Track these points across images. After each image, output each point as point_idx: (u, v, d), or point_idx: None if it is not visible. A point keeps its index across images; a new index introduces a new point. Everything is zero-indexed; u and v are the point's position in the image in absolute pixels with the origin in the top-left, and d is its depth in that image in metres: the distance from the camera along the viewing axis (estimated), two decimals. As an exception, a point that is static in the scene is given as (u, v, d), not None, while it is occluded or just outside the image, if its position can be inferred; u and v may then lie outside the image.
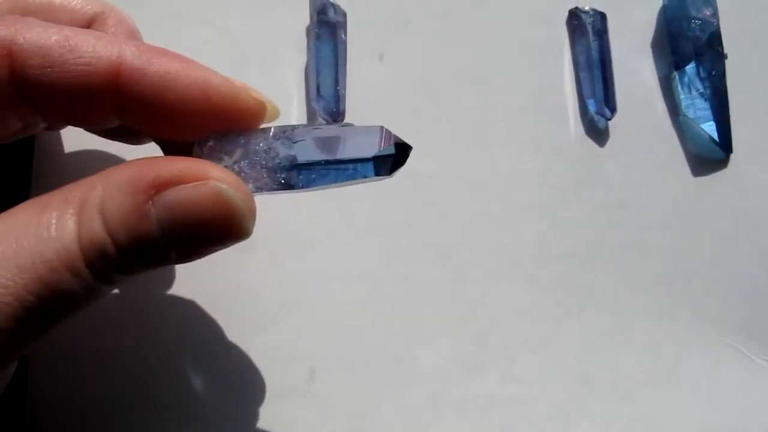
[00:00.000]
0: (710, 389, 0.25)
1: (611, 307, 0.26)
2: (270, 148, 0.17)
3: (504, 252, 0.26)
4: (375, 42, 0.28)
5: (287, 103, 0.27)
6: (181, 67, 0.17)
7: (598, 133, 0.28)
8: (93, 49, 0.16)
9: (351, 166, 0.17)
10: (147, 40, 0.28)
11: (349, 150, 0.17)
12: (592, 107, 0.28)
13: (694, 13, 0.28)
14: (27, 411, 0.23)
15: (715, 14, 0.28)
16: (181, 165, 0.16)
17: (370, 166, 0.17)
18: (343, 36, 0.27)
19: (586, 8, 0.29)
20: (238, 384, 0.24)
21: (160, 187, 0.16)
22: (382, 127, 0.17)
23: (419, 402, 0.24)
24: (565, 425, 0.24)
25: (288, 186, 0.17)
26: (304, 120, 0.27)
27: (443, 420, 0.24)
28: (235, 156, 0.17)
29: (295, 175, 0.17)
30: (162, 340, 0.24)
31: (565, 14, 0.29)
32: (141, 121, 0.18)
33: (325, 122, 0.26)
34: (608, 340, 0.25)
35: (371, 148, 0.17)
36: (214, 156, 0.17)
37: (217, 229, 0.16)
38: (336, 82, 0.27)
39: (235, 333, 0.24)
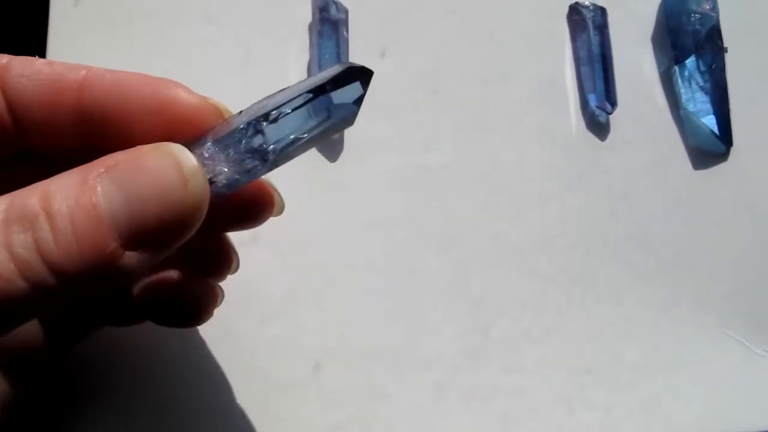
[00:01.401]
0: (711, 379, 0.25)
1: (614, 298, 0.26)
2: (236, 126, 0.17)
3: (507, 243, 0.26)
4: (377, 38, 0.28)
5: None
6: (137, 74, 0.18)
7: (599, 127, 0.28)
8: (66, 68, 0.18)
9: (314, 101, 0.16)
10: (151, 37, 0.28)
11: (310, 99, 0.16)
12: (593, 101, 0.28)
13: (693, 7, 0.28)
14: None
15: (714, 8, 0.28)
16: (138, 147, 0.16)
17: (332, 91, 0.16)
18: (345, 33, 0.28)
19: (587, 3, 0.29)
20: (244, 377, 0.24)
21: (111, 167, 0.15)
22: (338, 64, 0.17)
23: (424, 393, 0.25)
24: (568, 414, 0.25)
25: (258, 155, 0.16)
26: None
27: (448, 410, 0.24)
28: (205, 143, 0.17)
29: (261, 141, 0.16)
30: (166, 335, 0.24)
31: (566, 9, 0.29)
32: (102, 136, 0.18)
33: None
34: (611, 330, 0.26)
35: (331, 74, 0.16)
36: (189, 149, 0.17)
37: (162, 191, 0.15)
38: (338, 79, 0.27)
39: (240, 326, 0.25)
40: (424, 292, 0.26)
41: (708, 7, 0.28)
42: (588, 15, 0.29)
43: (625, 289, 0.26)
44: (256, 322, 0.25)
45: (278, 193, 0.21)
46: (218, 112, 0.18)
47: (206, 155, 0.16)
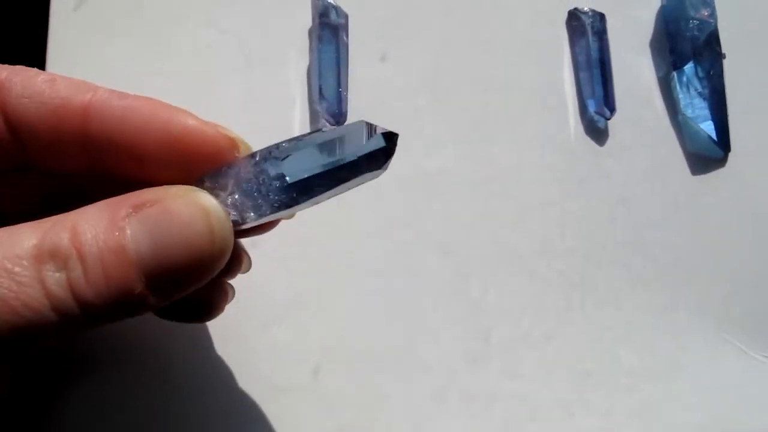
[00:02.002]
0: (709, 384, 0.25)
1: (613, 302, 0.26)
2: (260, 172, 0.17)
3: (507, 248, 0.26)
4: (377, 43, 0.28)
5: (290, 106, 0.27)
6: (146, 102, 0.17)
7: (597, 132, 0.28)
8: (71, 90, 0.17)
9: (343, 167, 0.17)
10: (151, 42, 0.28)
11: (339, 151, 0.17)
12: (591, 107, 0.28)
13: (692, 13, 0.29)
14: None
15: (713, 14, 0.29)
16: (164, 188, 0.16)
17: (363, 161, 0.17)
18: (344, 38, 0.28)
19: (586, 9, 0.29)
20: (245, 379, 0.24)
21: (138, 206, 0.15)
22: (363, 122, 0.17)
23: (424, 395, 0.25)
24: (567, 418, 0.25)
25: (285, 205, 0.17)
26: (307, 122, 0.27)
27: (447, 414, 0.24)
28: (229, 188, 0.17)
29: (288, 192, 0.17)
30: (166, 337, 0.24)
31: (565, 15, 0.29)
32: (109, 160, 0.18)
33: (327, 124, 0.27)
34: (610, 334, 0.26)
35: (359, 143, 0.17)
36: (212, 194, 0.17)
37: (190, 239, 0.15)
38: (338, 84, 0.27)
39: (240, 330, 0.25)
40: (425, 295, 0.26)
41: (706, 14, 0.29)
42: (587, 21, 0.29)
43: (624, 293, 0.26)
44: (257, 325, 0.25)
45: None
46: (232, 143, 0.18)
47: (231, 200, 0.17)
